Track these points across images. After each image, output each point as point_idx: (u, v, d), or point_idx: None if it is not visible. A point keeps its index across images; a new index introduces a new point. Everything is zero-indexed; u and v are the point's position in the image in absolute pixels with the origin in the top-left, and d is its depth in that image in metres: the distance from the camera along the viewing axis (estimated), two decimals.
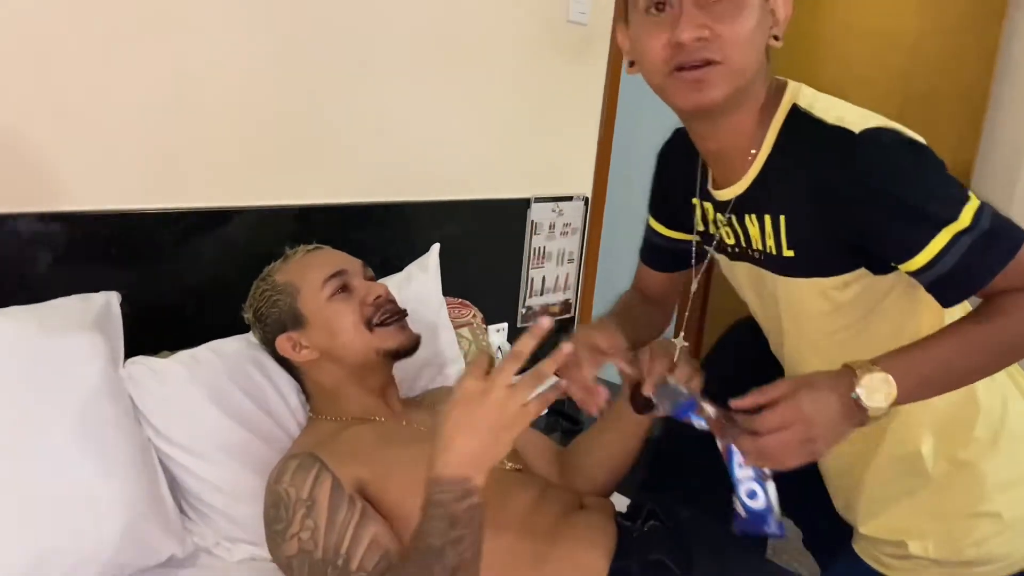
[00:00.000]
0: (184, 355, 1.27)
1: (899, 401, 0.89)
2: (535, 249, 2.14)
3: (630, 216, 2.87)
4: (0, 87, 1.22)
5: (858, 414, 0.88)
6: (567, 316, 2.29)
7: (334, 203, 1.67)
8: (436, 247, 1.69)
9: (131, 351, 1.27)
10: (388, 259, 1.69)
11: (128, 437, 1.17)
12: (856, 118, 0.92)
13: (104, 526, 1.11)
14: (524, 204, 2.09)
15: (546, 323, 0.88)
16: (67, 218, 1.30)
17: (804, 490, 1.35)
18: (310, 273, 1.25)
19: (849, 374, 0.89)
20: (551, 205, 2.15)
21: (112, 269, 1.36)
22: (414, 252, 1.79)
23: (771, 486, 1.01)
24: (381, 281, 1.35)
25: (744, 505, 1.02)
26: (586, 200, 2.25)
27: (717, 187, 1.06)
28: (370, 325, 1.22)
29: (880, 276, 0.98)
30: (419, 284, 1.57)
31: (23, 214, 1.26)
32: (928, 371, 0.91)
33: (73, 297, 1.24)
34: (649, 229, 1.30)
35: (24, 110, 1.25)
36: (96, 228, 1.34)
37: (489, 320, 1.96)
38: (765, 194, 1.00)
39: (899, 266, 0.93)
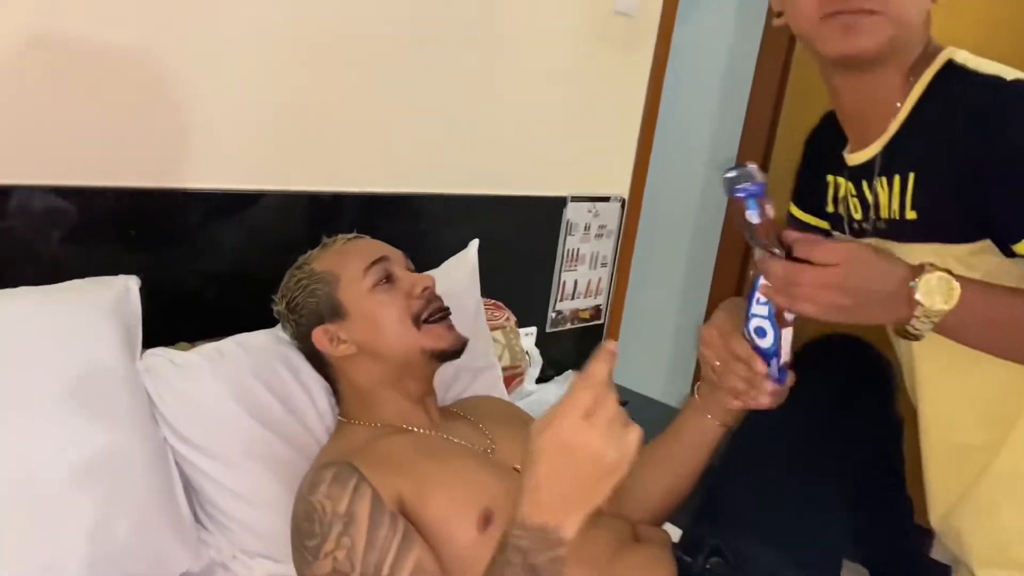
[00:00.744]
0: (208, 348, 1.16)
1: (949, 327, 0.83)
2: (568, 251, 2.03)
3: (666, 220, 2.80)
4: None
5: (904, 308, 0.83)
6: (597, 322, 2.18)
7: (365, 191, 1.56)
8: (475, 243, 1.58)
9: (147, 342, 1.16)
10: (418, 254, 1.58)
11: (143, 436, 1.06)
12: (1017, 74, 0.87)
13: (112, 533, 1.00)
14: (560, 203, 1.98)
15: (612, 347, 0.76)
16: (82, 193, 1.19)
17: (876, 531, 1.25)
18: (351, 261, 1.14)
19: (920, 266, 0.84)
20: (587, 205, 2.04)
21: (129, 251, 1.25)
22: (443, 247, 1.69)
23: (787, 333, 0.95)
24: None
25: (750, 341, 0.97)
26: (623, 202, 2.14)
27: (853, 151, 1.03)
28: (417, 321, 1.12)
29: (1013, 260, 0.90)
30: (456, 282, 1.45)
31: (34, 186, 1.15)
32: (1001, 315, 0.85)
33: (89, 280, 1.12)
34: (788, 216, 1.25)
35: (29, 72, 1.14)
36: (113, 205, 1.23)
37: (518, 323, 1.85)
38: (900, 151, 0.95)
39: (1014, 247, 0.86)
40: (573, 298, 2.09)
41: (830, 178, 1.12)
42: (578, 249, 2.05)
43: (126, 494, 1.02)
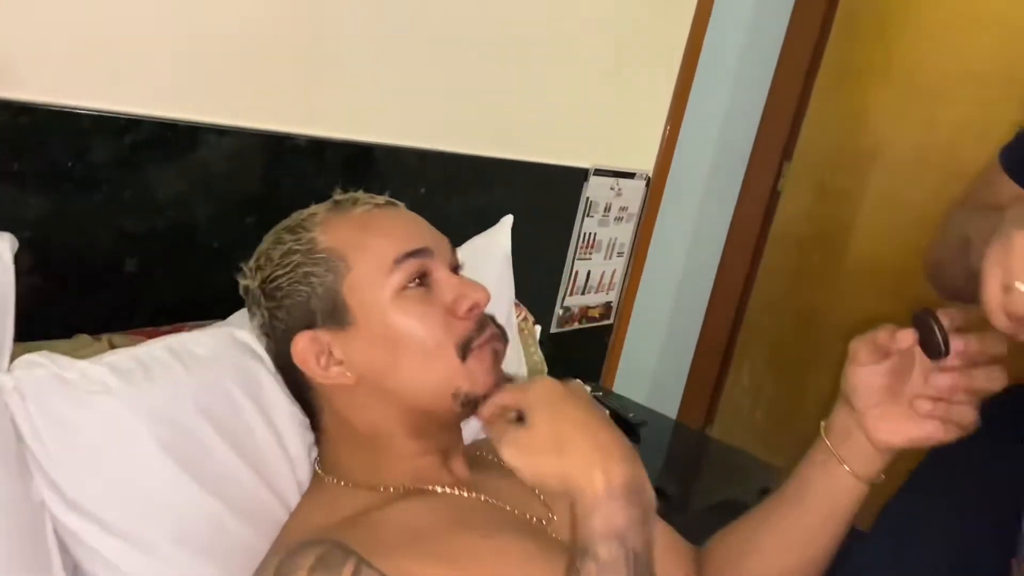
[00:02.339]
0: (122, 356, 0.74)
1: None
2: (585, 235, 1.66)
3: (688, 200, 2.43)
4: None
5: None
6: (606, 322, 1.83)
7: (353, 139, 1.16)
8: (508, 221, 1.19)
9: (24, 333, 0.74)
10: None
11: (4, 496, 0.65)
12: None
13: None
14: (580, 176, 1.61)
15: None
16: None
17: None
18: (376, 242, 0.75)
19: None
20: (611, 181, 1.67)
21: (7, 196, 0.83)
22: (446, 215, 1.31)
23: None
24: None
25: None
26: (647, 180, 1.78)
27: None
28: (465, 350, 0.73)
29: None
30: (485, 274, 1.05)
31: None
32: None
33: None
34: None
35: None
36: None
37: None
38: None
39: None
40: (584, 292, 1.73)
41: None
42: (595, 234, 1.69)
43: None
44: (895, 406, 0.71)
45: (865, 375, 0.72)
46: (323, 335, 0.73)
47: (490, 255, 1.10)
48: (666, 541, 0.86)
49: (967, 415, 0.67)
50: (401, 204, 0.81)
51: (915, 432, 0.70)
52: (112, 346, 0.86)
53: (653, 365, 2.38)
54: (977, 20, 2.09)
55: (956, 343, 0.64)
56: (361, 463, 0.76)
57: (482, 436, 1.02)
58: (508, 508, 0.76)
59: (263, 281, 0.76)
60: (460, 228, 1.27)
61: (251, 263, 0.79)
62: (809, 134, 2.30)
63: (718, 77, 2.17)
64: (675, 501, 1.42)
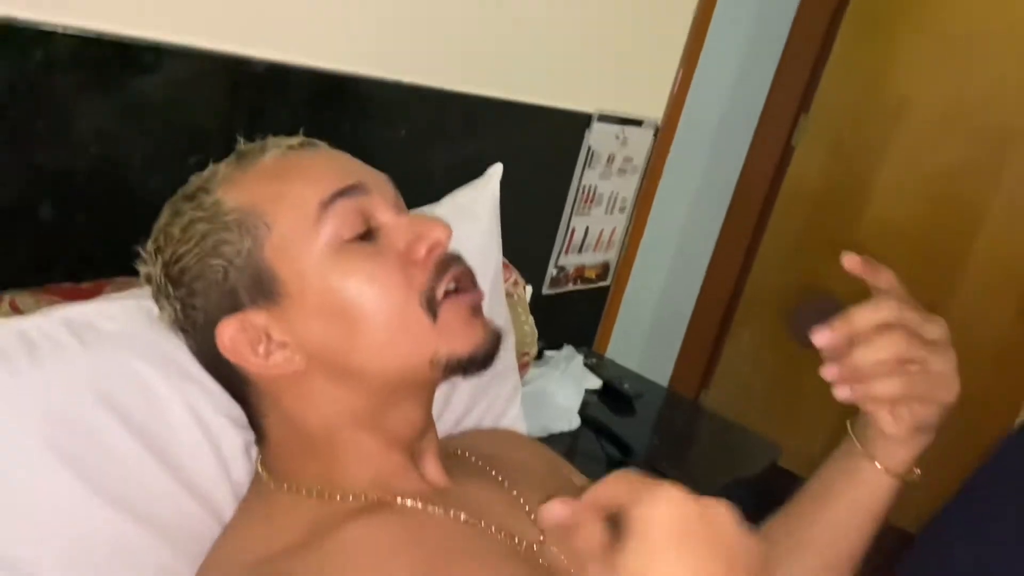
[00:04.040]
0: (11, 328, 0.59)
1: None
2: (584, 188, 1.51)
3: (696, 153, 2.24)
4: None
5: None
6: (603, 284, 1.68)
7: (320, 67, 0.99)
8: (497, 169, 1.03)
9: None
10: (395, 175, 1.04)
11: None
12: None
13: None
14: (582, 122, 1.45)
15: None
16: None
17: None
18: (294, 191, 0.60)
19: None
20: (616, 129, 1.51)
21: None
22: (429, 166, 1.15)
23: None
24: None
25: None
26: (656, 129, 1.62)
27: None
28: (432, 304, 0.59)
29: None
30: (469, 231, 0.89)
31: None
32: None
33: None
34: None
35: None
36: None
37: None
38: None
39: None
40: (581, 251, 1.58)
41: None
42: (595, 187, 1.53)
43: None
44: None
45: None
46: (254, 316, 0.58)
47: (476, 209, 0.95)
48: None
49: (883, 388, 0.59)
50: (322, 144, 0.66)
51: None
52: (15, 309, 0.71)
53: (648, 327, 2.24)
54: None
55: (818, 333, 0.59)
56: (314, 468, 0.62)
57: (460, 429, 0.88)
58: (491, 529, 0.63)
59: (166, 264, 0.61)
60: (445, 178, 1.12)
61: (149, 245, 0.63)
62: (829, 85, 2.13)
63: (737, 18, 1.98)
64: (677, 480, 1.30)
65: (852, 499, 0.67)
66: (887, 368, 0.58)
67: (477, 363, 0.62)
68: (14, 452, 0.54)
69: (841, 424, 0.70)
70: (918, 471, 0.67)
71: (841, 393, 0.60)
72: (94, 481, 0.56)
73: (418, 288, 0.59)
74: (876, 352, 0.57)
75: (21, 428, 0.55)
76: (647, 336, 2.24)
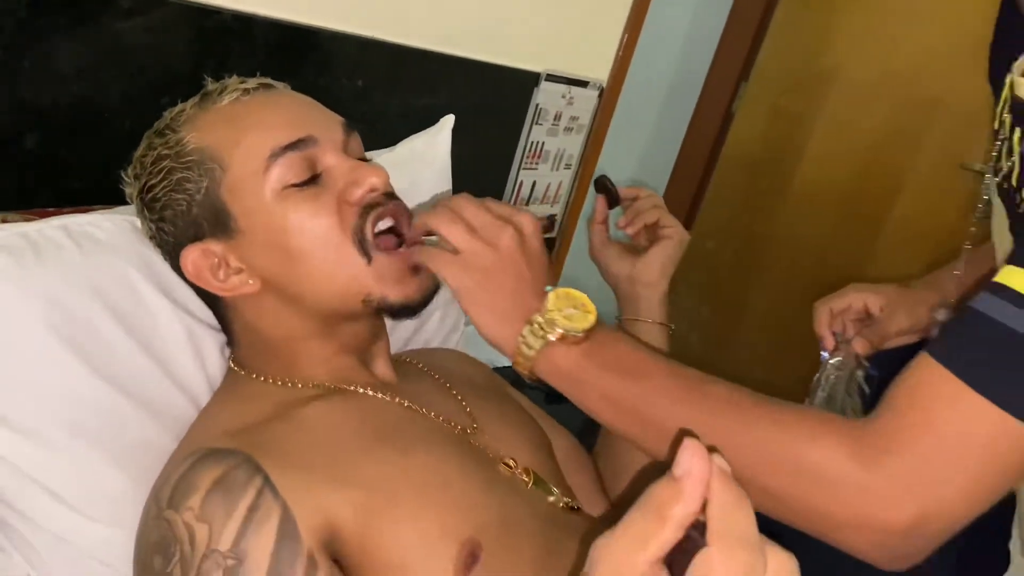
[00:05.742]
0: (8, 232, 0.67)
1: (567, 367, 0.66)
2: (532, 144, 1.61)
3: (641, 116, 2.36)
4: None
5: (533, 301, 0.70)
6: (549, 236, 1.79)
7: (286, 19, 1.08)
8: (450, 120, 1.12)
9: None
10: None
11: None
12: None
13: None
14: (531, 81, 1.55)
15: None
16: None
17: None
18: (248, 137, 0.68)
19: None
20: (563, 88, 1.61)
21: None
22: (389, 115, 1.24)
23: None
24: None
25: None
26: (601, 91, 1.72)
27: None
28: (364, 245, 0.68)
29: None
30: (419, 179, 0.99)
31: None
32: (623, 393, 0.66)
33: None
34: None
35: None
36: None
37: None
38: None
39: None
40: (528, 203, 1.68)
41: (1008, 78, 0.74)
42: (543, 143, 1.64)
43: None
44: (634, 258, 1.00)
45: (614, 260, 1.04)
46: (214, 246, 0.68)
47: (428, 157, 1.05)
48: (579, 462, 0.87)
49: (650, 215, 1.02)
50: (281, 84, 0.74)
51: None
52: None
53: (593, 283, 2.36)
54: None
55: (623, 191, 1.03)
56: (277, 366, 0.72)
57: (413, 347, 0.99)
58: (432, 415, 0.74)
59: (141, 191, 0.71)
60: (400, 126, 1.21)
61: (129, 170, 0.73)
62: (769, 55, 2.25)
63: None
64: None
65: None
66: (652, 202, 0.99)
67: (407, 311, 0.71)
68: (21, 331, 0.64)
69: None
70: (673, 326, 1.01)
71: (629, 230, 1.02)
72: (90, 361, 0.66)
73: (350, 227, 0.68)
74: (650, 199, 0.99)
75: (28, 311, 0.64)
76: (590, 289, 2.36)
